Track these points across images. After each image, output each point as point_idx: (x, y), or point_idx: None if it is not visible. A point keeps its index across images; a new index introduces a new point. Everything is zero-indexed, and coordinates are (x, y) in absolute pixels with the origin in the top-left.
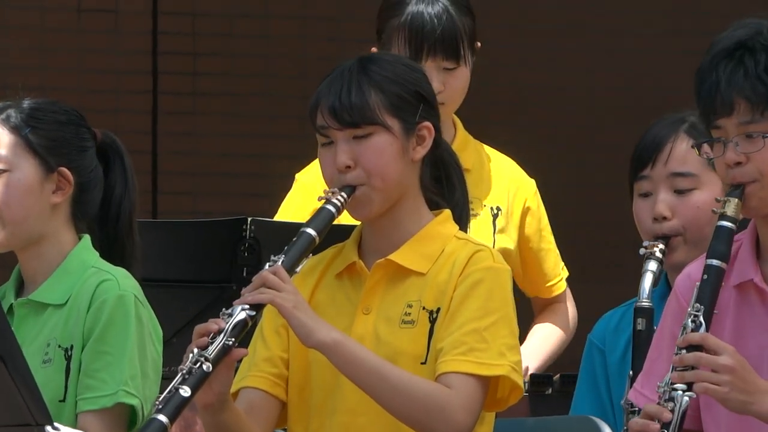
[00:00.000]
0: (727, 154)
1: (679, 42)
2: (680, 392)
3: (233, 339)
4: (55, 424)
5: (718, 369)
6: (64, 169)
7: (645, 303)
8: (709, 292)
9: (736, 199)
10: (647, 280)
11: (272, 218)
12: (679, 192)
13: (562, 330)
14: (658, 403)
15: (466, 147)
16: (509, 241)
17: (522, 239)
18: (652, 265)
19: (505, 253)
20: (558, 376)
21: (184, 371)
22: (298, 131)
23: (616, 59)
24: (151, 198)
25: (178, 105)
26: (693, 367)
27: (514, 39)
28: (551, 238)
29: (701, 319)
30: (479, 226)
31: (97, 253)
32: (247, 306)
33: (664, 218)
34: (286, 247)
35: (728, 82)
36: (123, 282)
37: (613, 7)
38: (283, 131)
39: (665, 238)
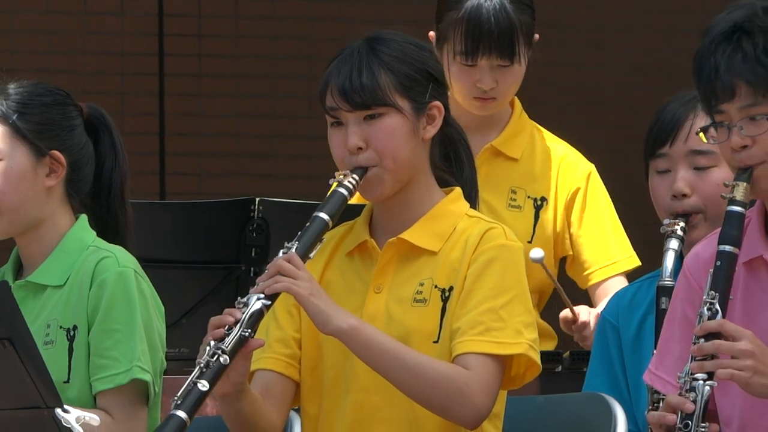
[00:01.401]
0: (732, 139)
1: None
2: (701, 382)
3: (249, 330)
4: (66, 406)
5: (738, 355)
6: (56, 152)
7: (668, 282)
8: (723, 279)
9: (745, 183)
10: (669, 259)
11: (280, 198)
12: (698, 170)
13: None
14: (680, 394)
15: (519, 133)
16: (549, 232)
17: (566, 225)
18: (674, 243)
19: (544, 243)
20: (568, 353)
21: (202, 365)
22: (306, 111)
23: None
24: (159, 179)
25: (185, 86)
26: (712, 356)
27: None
28: (599, 225)
29: (717, 306)
30: (519, 219)
31: (94, 232)
32: (262, 295)
33: (684, 196)
34: (299, 232)
35: (727, 66)
36: (122, 258)
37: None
38: (290, 112)
39: (685, 216)
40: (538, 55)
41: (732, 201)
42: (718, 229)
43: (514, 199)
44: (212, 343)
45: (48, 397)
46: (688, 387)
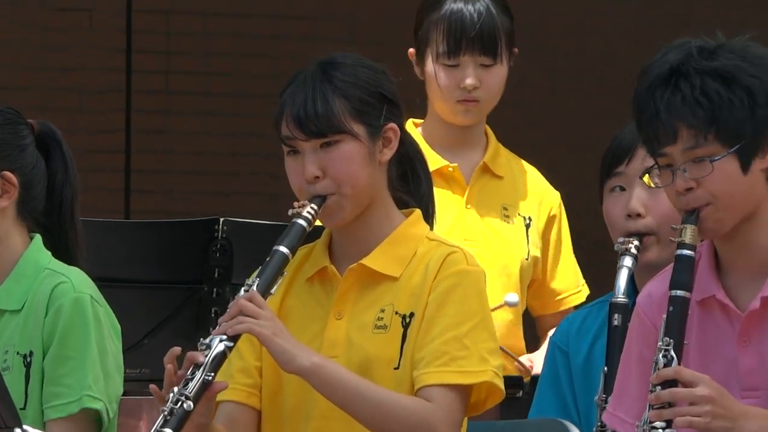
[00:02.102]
0: (676, 182)
1: None
2: (660, 430)
3: (213, 373)
4: (25, 427)
5: (696, 401)
6: (8, 173)
7: (621, 299)
8: (677, 325)
9: (693, 226)
10: (623, 276)
11: (246, 217)
12: (653, 190)
13: None
14: None
15: (498, 155)
16: (538, 251)
17: (542, 250)
18: (628, 261)
19: (535, 261)
20: (529, 378)
21: (166, 412)
22: (272, 130)
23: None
24: (124, 197)
25: (152, 103)
26: (670, 403)
27: None
28: (569, 253)
29: (672, 353)
30: (514, 234)
31: (49, 253)
32: (225, 337)
33: (638, 215)
34: (260, 268)
35: (667, 109)
36: (78, 283)
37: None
38: (257, 130)
39: (639, 236)
40: (518, 68)
41: (681, 244)
42: (670, 266)
43: (507, 216)
44: (176, 389)
45: (8, 418)
46: None
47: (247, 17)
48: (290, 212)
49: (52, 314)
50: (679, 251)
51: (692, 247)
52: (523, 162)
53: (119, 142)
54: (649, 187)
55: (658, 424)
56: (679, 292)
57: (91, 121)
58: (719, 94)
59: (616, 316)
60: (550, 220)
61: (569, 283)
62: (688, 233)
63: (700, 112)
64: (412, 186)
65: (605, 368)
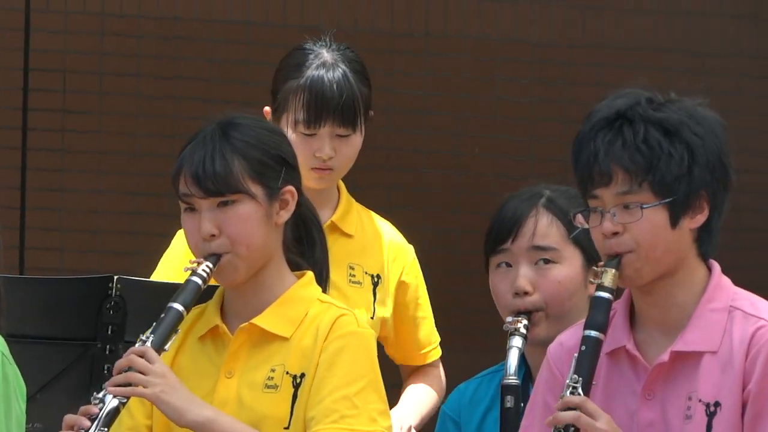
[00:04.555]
0: (604, 224)
1: (554, 110)
2: None
3: (106, 429)
4: None
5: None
6: None
7: (512, 380)
8: (587, 364)
9: (613, 270)
10: (513, 357)
11: (141, 276)
12: (540, 266)
13: (437, 392)
14: None
15: (348, 212)
16: (386, 311)
17: (397, 306)
18: (518, 341)
19: (383, 321)
20: None
21: None
22: (167, 190)
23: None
24: (19, 253)
25: (47, 161)
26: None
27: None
28: (427, 306)
29: (580, 390)
30: (361, 295)
31: None
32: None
33: (526, 293)
34: (154, 323)
35: (606, 152)
36: None
37: (482, 74)
38: (152, 189)
39: (527, 313)
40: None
41: (600, 287)
42: (583, 321)
43: (353, 275)
44: None
45: None
46: None
47: (145, 77)
48: (185, 269)
49: None
50: (597, 293)
51: (611, 291)
52: (376, 216)
53: (14, 198)
54: (535, 264)
55: None
56: (593, 333)
57: None
58: (660, 145)
59: (508, 397)
60: (402, 279)
61: (431, 337)
62: (609, 277)
63: (639, 158)
64: (306, 249)
65: None
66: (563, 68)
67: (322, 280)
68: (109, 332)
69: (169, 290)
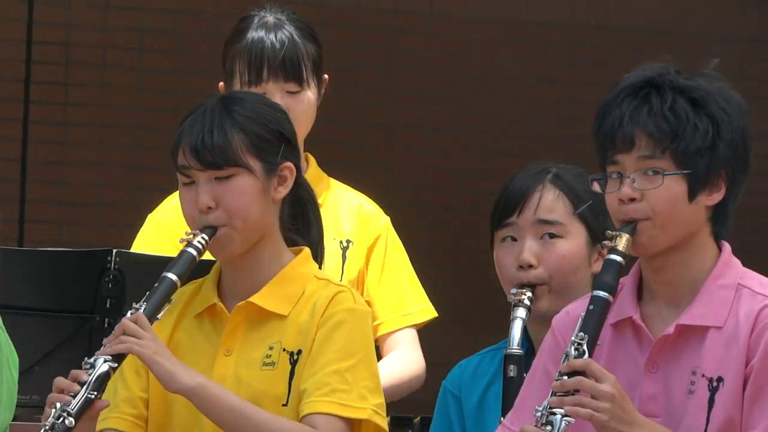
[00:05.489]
0: (623, 189)
1: (554, 89)
2: (559, 416)
3: (96, 392)
4: None
5: (598, 396)
6: None
7: (515, 350)
8: (594, 322)
9: (627, 235)
10: (517, 327)
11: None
12: (545, 240)
13: (393, 369)
14: (536, 426)
15: (319, 182)
16: (355, 274)
17: (365, 273)
18: (521, 312)
19: (352, 284)
20: (419, 418)
21: (47, 426)
22: (168, 164)
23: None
24: (18, 226)
25: (49, 134)
26: (573, 393)
27: (386, 81)
28: (397, 275)
29: (584, 347)
30: (327, 258)
31: None
32: (109, 357)
33: (530, 266)
34: (147, 293)
35: (631, 118)
36: None
37: (486, 52)
38: (152, 164)
39: (531, 287)
40: (330, 97)
41: (613, 250)
42: (589, 294)
43: None
44: (58, 404)
45: None
46: (544, 421)
47: (147, 51)
48: (180, 240)
49: None
50: (610, 256)
51: (623, 255)
52: (347, 187)
53: (15, 171)
54: (540, 238)
55: (557, 410)
56: (602, 293)
57: None
58: (687, 115)
59: (511, 367)
60: (374, 243)
61: (390, 308)
62: (623, 241)
63: (665, 125)
64: (302, 228)
65: (501, 418)
66: (567, 49)
67: (317, 261)
68: (108, 305)
69: (168, 263)
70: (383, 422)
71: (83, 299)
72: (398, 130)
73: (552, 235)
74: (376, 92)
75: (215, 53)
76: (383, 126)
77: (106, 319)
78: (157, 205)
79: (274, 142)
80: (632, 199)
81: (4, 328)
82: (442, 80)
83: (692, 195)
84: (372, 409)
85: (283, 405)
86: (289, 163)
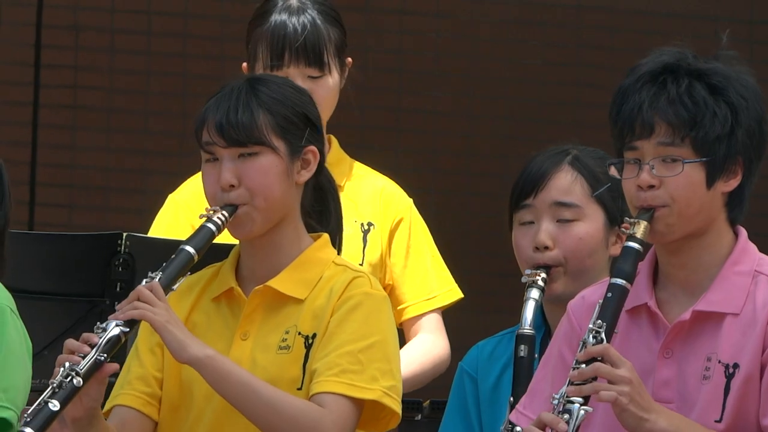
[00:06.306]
0: (641, 176)
1: (555, 72)
2: (577, 405)
3: (105, 354)
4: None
5: (616, 380)
6: None
7: (527, 330)
8: (611, 310)
9: (646, 222)
10: (529, 308)
11: (147, 234)
12: (562, 222)
13: (416, 354)
14: (553, 413)
15: (339, 163)
16: (377, 257)
17: (387, 255)
18: (535, 293)
19: (373, 267)
20: (428, 402)
21: (54, 385)
22: (177, 149)
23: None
24: (29, 210)
25: (59, 118)
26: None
27: (396, 65)
28: (421, 257)
29: (602, 335)
30: (348, 241)
31: None
32: (121, 322)
33: (546, 248)
34: (165, 263)
35: (651, 104)
36: None
37: (491, 36)
38: (162, 148)
39: (546, 268)
40: (355, 79)
41: (631, 237)
42: (606, 279)
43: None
44: (67, 364)
45: None
46: (561, 409)
47: (156, 36)
48: (200, 216)
49: None
50: (628, 243)
51: (641, 242)
52: (369, 169)
53: (25, 154)
54: (557, 221)
55: (575, 399)
56: (620, 281)
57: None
58: (705, 102)
59: (522, 347)
60: (397, 225)
61: (416, 292)
62: (641, 229)
63: (684, 113)
64: (322, 218)
65: (511, 398)
66: (575, 32)
67: (335, 247)
68: (118, 289)
69: (177, 248)
70: (394, 404)
71: (93, 283)
72: (406, 112)
73: (568, 219)
74: (384, 75)
75: (224, 37)
76: (390, 109)
77: (116, 303)
78: (169, 188)
79: (300, 125)
80: (651, 186)
81: (18, 315)
82: (451, 64)
83: (710, 182)
84: (382, 390)
85: (298, 389)
86: (313, 147)
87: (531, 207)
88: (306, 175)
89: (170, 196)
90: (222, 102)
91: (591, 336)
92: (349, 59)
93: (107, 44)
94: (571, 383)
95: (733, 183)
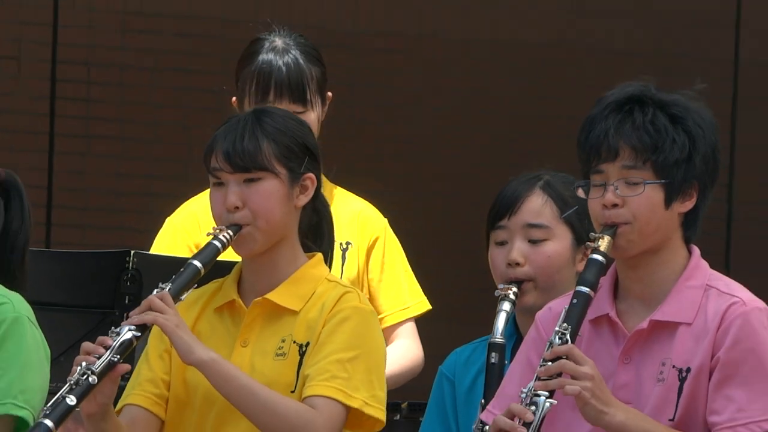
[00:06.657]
0: (606, 196)
1: (537, 106)
2: (543, 398)
3: (118, 356)
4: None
5: (580, 377)
6: None
7: (498, 339)
8: (576, 314)
9: (609, 237)
10: (501, 319)
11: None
12: (533, 242)
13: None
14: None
15: (322, 188)
16: (354, 273)
17: (364, 271)
18: (506, 306)
19: (352, 282)
20: (406, 403)
21: (72, 382)
22: (180, 174)
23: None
24: (45, 230)
25: (73, 146)
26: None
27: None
28: (395, 272)
29: (568, 336)
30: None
31: None
32: (133, 327)
33: (518, 264)
34: (174, 276)
35: (617, 130)
36: (18, 305)
37: (472, 67)
38: (167, 173)
39: (518, 283)
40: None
41: (595, 250)
42: (571, 292)
43: None
44: (83, 364)
45: None
46: (528, 402)
47: (161, 71)
48: (207, 233)
49: None
50: (593, 255)
51: (604, 255)
52: (346, 192)
53: (42, 179)
54: (529, 240)
55: (541, 392)
56: (584, 289)
57: (18, 160)
58: (666, 130)
59: (493, 354)
60: (373, 243)
61: (392, 303)
62: (605, 243)
63: (646, 138)
64: (316, 238)
65: (482, 401)
66: (552, 68)
67: (327, 265)
68: (127, 301)
69: (181, 264)
70: (375, 412)
71: (104, 296)
72: (389, 141)
73: (538, 240)
74: (368, 108)
75: (226, 72)
76: (375, 139)
77: (126, 314)
78: (173, 210)
79: (300, 154)
80: (615, 205)
81: (37, 324)
82: (430, 96)
83: (668, 202)
84: (362, 399)
85: (292, 392)
86: (311, 174)
87: (505, 228)
88: (304, 199)
89: (168, 219)
90: (230, 132)
91: (557, 337)
92: (329, 93)
93: (117, 79)
94: (538, 378)
95: (689, 204)
